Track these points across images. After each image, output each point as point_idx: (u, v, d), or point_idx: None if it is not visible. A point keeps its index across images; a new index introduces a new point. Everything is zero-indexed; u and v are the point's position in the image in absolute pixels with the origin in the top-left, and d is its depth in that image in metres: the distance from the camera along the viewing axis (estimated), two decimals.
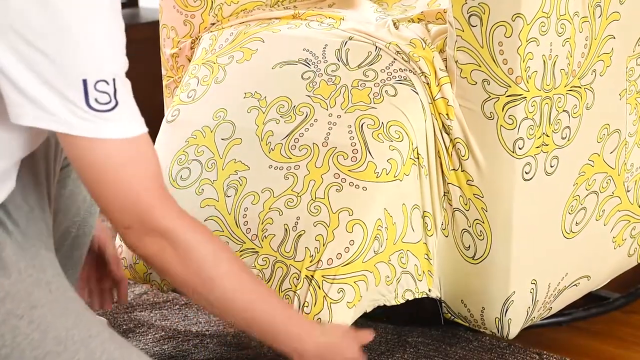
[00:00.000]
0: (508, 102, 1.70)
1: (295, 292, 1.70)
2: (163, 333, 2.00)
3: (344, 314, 1.69)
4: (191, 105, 1.93)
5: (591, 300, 2.06)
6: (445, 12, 1.89)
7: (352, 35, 1.87)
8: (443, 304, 1.85)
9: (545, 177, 1.78)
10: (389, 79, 1.79)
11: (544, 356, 1.90)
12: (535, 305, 1.83)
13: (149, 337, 1.99)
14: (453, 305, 1.84)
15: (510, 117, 1.70)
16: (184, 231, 1.38)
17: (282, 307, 1.53)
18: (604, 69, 1.84)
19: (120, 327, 2.02)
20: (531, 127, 1.72)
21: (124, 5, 2.12)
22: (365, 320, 1.94)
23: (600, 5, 1.78)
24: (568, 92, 1.77)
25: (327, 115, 1.80)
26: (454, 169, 1.77)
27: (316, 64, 1.86)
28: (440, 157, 1.77)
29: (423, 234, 1.79)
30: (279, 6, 2.12)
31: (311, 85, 1.84)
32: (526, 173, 1.74)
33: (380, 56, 1.82)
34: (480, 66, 1.71)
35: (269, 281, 1.72)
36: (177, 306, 2.11)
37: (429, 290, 1.82)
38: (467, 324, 1.86)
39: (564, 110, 1.77)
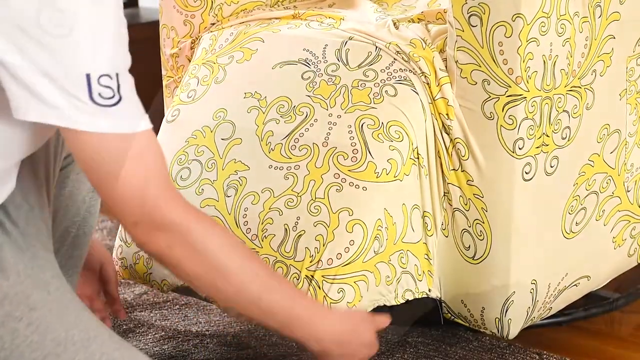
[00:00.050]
0: (508, 102, 1.70)
1: None
2: (163, 333, 2.00)
3: None
4: (191, 105, 1.93)
5: (591, 300, 2.06)
6: (445, 12, 1.89)
7: (352, 35, 1.87)
8: (443, 304, 1.85)
9: (545, 177, 1.77)
10: (389, 79, 1.79)
11: (544, 356, 1.89)
12: (535, 305, 1.83)
13: (149, 337, 1.99)
14: (453, 305, 1.84)
15: (510, 117, 1.70)
16: (193, 224, 1.36)
17: (298, 295, 1.53)
18: (604, 69, 1.83)
19: (120, 327, 2.02)
20: (531, 127, 1.72)
21: (124, 5, 2.11)
22: None
23: (600, 5, 1.78)
24: (568, 92, 1.77)
25: (327, 115, 1.79)
26: (454, 169, 1.77)
27: (316, 64, 1.86)
28: (440, 157, 1.77)
29: (423, 234, 1.79)
30: (279, 6, 2.12)
31: (311, 85, 1.84)
32: (526, 173, 1.74)
33: (380, 56, 1.82)
34: (480, 66, 1.71)
35: None
36: (177, 306, 2.10)
37: (429, 290, 1.81)
38: (467, 324, 1.86)
39: (564, 111, 1.77)
